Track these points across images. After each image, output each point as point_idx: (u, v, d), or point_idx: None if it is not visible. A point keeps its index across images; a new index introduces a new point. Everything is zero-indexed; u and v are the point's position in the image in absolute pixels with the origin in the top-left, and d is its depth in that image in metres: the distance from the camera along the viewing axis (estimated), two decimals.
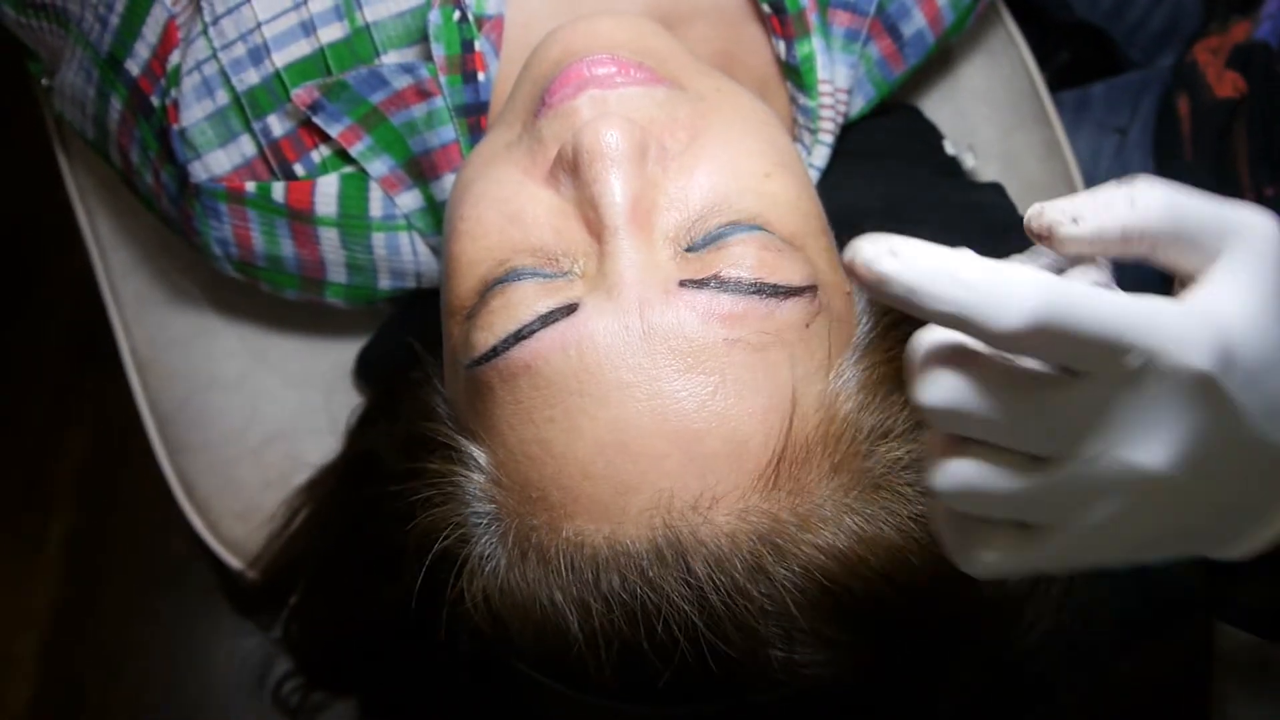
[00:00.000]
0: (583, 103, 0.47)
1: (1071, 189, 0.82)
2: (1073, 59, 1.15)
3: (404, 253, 0.61)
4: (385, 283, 0.63)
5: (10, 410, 1.32)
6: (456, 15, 0.54)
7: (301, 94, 0.54)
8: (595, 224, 0.44)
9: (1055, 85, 1.08)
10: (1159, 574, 0.57)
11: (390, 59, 0.56)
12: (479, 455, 0.46)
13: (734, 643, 0.41)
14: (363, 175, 0.57)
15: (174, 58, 0.56)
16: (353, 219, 0.58)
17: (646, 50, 0.50)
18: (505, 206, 0.46)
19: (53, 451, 1.30)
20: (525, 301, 0.43)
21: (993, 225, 0.67)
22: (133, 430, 0.78)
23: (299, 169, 0.57)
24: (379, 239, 0.60)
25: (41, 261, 1.35)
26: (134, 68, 0.57)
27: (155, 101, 0.57)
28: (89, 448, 1.30)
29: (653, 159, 0.46)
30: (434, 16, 0.54)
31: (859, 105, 0.66)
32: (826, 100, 0.60)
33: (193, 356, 0.77)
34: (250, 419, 0.76)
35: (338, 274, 0.62)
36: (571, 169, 0.45)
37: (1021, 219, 0.67)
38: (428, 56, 0.55)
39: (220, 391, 0.76)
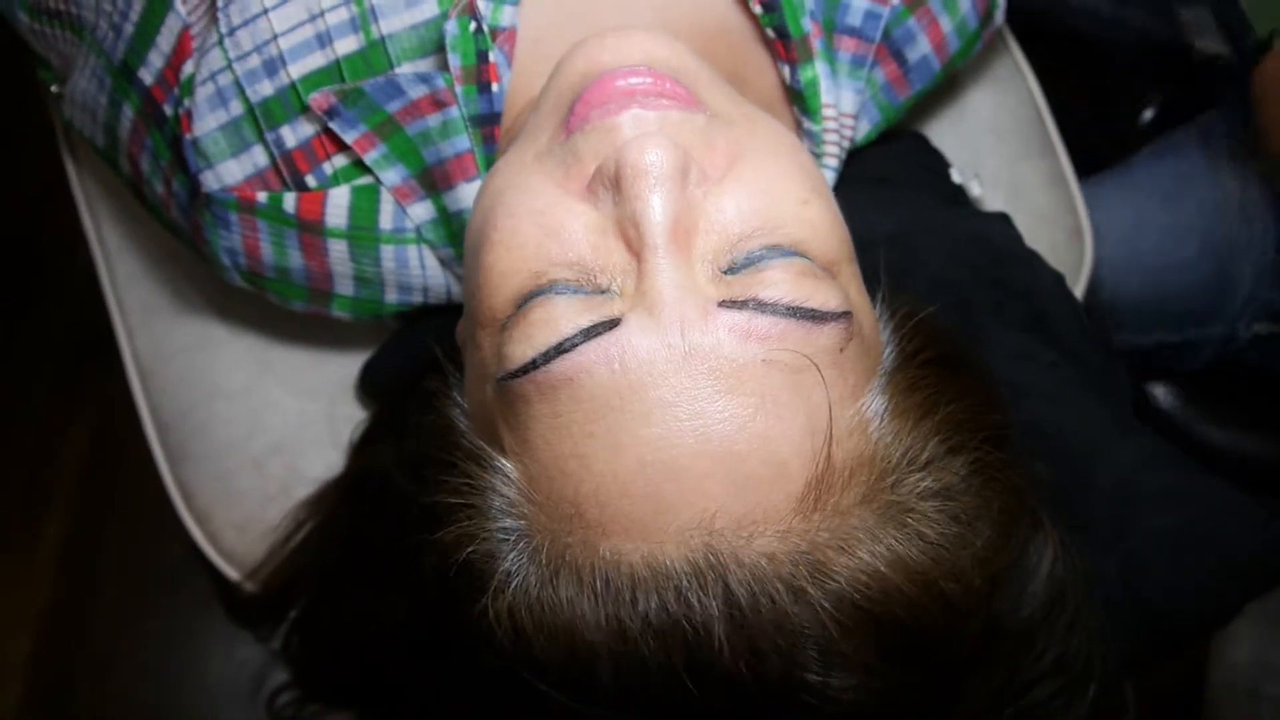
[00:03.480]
0: (625, 120, 0.47)
1: (1076, 220, 0.83)
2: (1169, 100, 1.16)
3: (412, 266, 0.61)
4: (392, 297, 0.63)
5: (11, 412, 1.32)
6: (472, 26, 0.54)
7: (319, 99, 0.55)
8: (635, 242, 0.44)
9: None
10: (1155, 604, 0.57)
11: (404, 70, 0.56)
12: (508, 469, 0.46)
13: (771, 665, 0.41)
14: (374, 188, 0.58)
15: (188, 67, 0.56)
16: (362, 231, 0.59)
17: (679, 68, 0.50)
18: (542, 219, 0.46)
19: (52, 455, 1.30)
20: (566, 316, 0.43)
21: (999, 255, 0.67)
22: (133, 436, 0.78)
23: (311, 180, 0.57)
24: (388, 252, 0.60)
25: (47, 266, 1.35)
26: (147, 76, 0.57)
27: (168, 110, 0.57)
28: (89, 452, 1.30)
29: (694, 181, 0.46)
30: (451, 27, 0.54)
31: (865, 130, 0.66)
32: (830, 125, 0.61)
33: (196, 366, 0.77)
34: (252, 430, 0.76)
35: (345, 287, 0.62)
36: (614, 185, 0.45)
37: (1029, 250, 0.69)
38: (442, 67, 0.56)
39: (223, 401, 0.76)
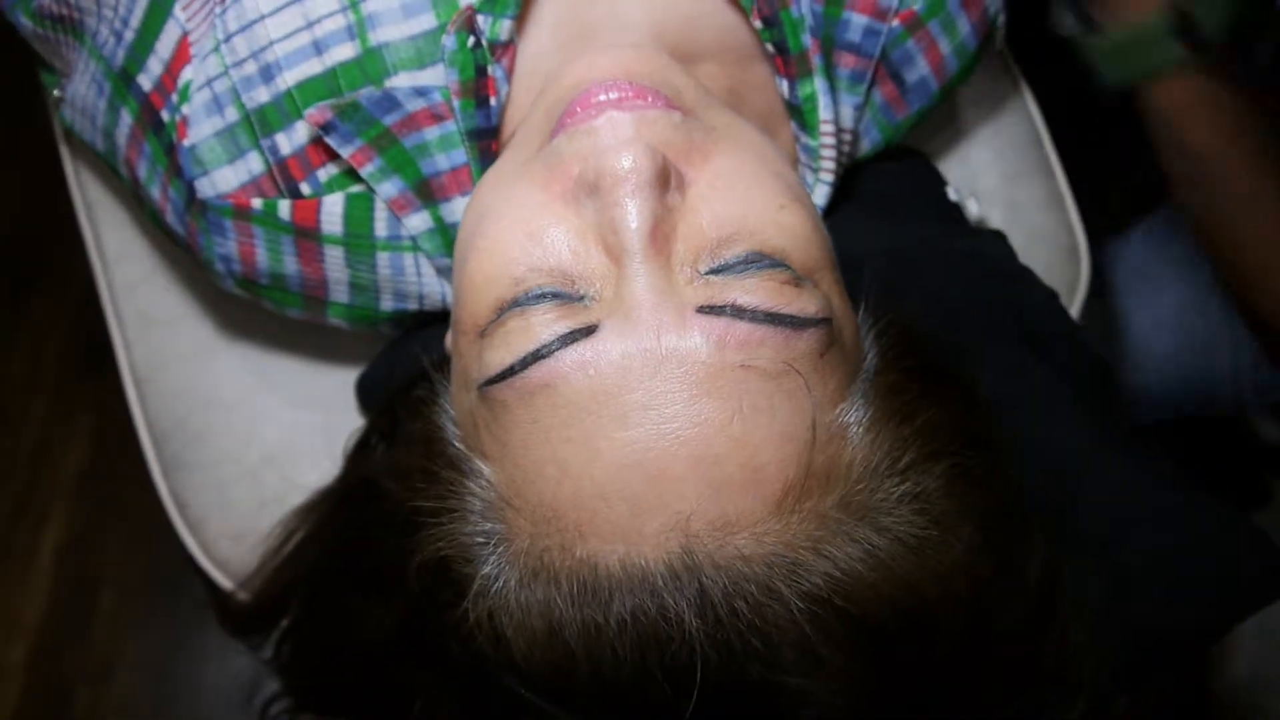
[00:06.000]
0: (603, 123, 0.48)
1: (1072, 238, 0.82)
2: None
3: (408, 273, 0.61)
4: (388, 304, 0.63)
5: (10, 419, 1.32)
6: (471, 41, 0.55)
7: (315, 114, 0.55)
8: (615, 248, 0.45)
9: None
10: (1147, 620, 0.57)
11: (401, 80, 0.56)
12: (489, 473, 0.46)
13: (747, 667, 0.41)
14: (368, 195, 0.58)
15: (186, 73, 0.56)
16: (358, 238, 0.59)
17: (663, 82, 0.51)
18: (525, 225, 0.47)
19: (49, 462, 1.31)
20: (544, 322, 0.44)
21: (993, 272, 0.67)
22: (130, 443, 0.78)
23: (305, 188, 0.58)
24: (383, 259, 0.60)
25: (45, 273, 1.35)
26: (146, 83, 0.58)
27: (166, 117, 0.57)
28: (87, 460, 1.31)
29: (672, 186, 0.46)
30: (449, 42, 0.55)
31: (865, 148, 0.66)
32: (828, 140, 0.61)
33: (192, 375, 0.77)
34: (248, 439, 0.76)
35: (340, 294, 0.62)
36: (592, 192, 0.46)
37: (1022, 267, 0.69)
38: (439, 80, 0.56)
39: (219, 411, 0.77)
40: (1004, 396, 0.61)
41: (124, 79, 0.59)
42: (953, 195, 0.74)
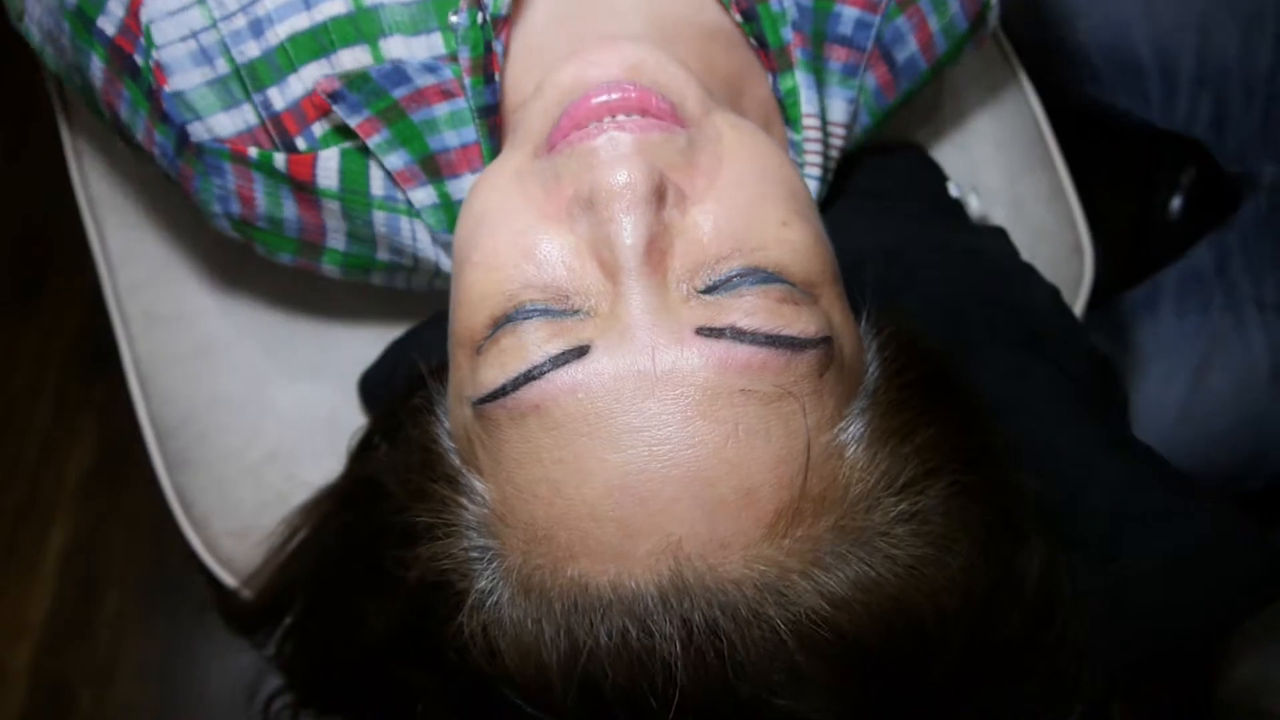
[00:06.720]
0: (602, 143, 0.47)
1: (1076, 234, 0.82)
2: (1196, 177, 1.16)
3: (403, 234, 0.61)
4: (384, 255, 0.63)
5: (13, 420, 1.32)
6: (480, 18, 0.54)
7: (324, 83, 0.54)
8: (610, 264, 0.45)
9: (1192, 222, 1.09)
10: (1148, 623, 0.57)
11: (395, 42, 0.56)
12: (483, 490, 0.46)
13: (736, 689, 0.41)
14: (363, 151, 0.57)
15: (143, 14, 0.55)
16: (354, 194, 0.58)
17: (664, 81, 0.50)
18: (520, 240, 0.46)
19: (54, 462, 1.31)
20: (537, 342, 0.44)
21: (994, 270, 0.67)
22: (135, 444, 0.78)
23: (300, 143, 0.57)
24: (380, 216, 0.60)
25: (50, 272, 1.36)
26: (108, 26, 0.56)
27: (139, 60, 0.56)
28: (91, 459, 1.31)
29: (670, 202, 0.46)
30: (461, 19, 0.54)
31: (855, 135, 0.66)
32: (811, 134, 0.60)
33: (196, 373, 0.77)
34: (251, 438, 0.76)
35: (337, 241, 0.61)
36: (588, 207, 0.45)
37: (1024, 264, 0.69)
38: (430, 50, 0.56)
39: (222, 409, 0.77)
40: (1005, 397, 0.61)
41: (80, 20, 0.57)
42: (954, 191, 0.74)
